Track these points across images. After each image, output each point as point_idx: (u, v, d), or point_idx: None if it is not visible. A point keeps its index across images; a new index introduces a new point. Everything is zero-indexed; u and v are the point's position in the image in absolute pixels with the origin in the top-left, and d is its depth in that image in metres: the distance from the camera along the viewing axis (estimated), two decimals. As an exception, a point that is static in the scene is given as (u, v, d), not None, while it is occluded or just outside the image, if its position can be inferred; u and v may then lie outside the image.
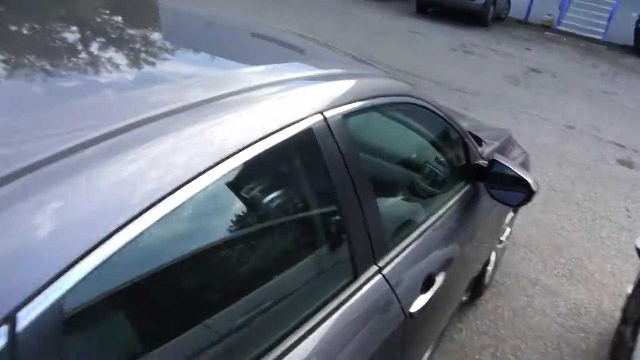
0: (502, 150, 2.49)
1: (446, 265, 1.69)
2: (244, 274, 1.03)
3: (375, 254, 1.29)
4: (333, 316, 1.13)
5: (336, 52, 1.82)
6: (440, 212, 1.76)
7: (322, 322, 1.09)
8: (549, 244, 3.59)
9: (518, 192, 1.88)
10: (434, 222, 1.68)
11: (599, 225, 4.03)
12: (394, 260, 1.37)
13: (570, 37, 12.69)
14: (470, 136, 2.02)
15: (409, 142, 1.93)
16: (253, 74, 1.12)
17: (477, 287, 2.70)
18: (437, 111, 1.73)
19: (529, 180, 1.85)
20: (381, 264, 1.31)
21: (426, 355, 1.91)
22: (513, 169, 1.87)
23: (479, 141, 2.38)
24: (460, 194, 1.92)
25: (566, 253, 3.52)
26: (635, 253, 3.75)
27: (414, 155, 1.97)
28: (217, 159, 0.83)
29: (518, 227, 3.71)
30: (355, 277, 1.23)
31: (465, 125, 2.66)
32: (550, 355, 2.59)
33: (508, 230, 3.00)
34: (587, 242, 3.74)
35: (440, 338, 2.18)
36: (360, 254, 1.24)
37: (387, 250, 1.36)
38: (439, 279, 1.57)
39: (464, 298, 2.51)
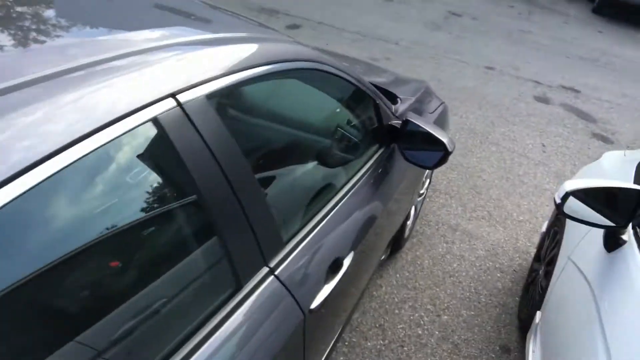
0: (418, 104, 2.35)
1: (357, 241, 1.56)
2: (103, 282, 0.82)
3: (265, 254, 1.10)
4: (216, 334, 0.94)
5: (241, 20, 1.57)
6: (353, 181, 1.63)
7: (202, 343, 0.91)
8: (468, 188, 3.58)
9: (433, 152, 1.74)
10: (345, 194, 1.55)
11: (517, 164, 4.07)
12: (290, 255, 1.20)
13: (490, -21, 12.71)
14: (382, 96, 1.86)
15: (315, 109, 1.73)
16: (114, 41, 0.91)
17: (397, 242, 2.63)
18: (344, 74, 1.54)
19: (444, 139, 1.71)
20: (273, 263, 1.13)
21: (335, 337, 1.79)
22: (427, 128, 1.73)
23: (394, 99, 2.23)
24: (373, 159, 1.79)
25: (485, 195, 3.53)
26: (548, 187, 3.82)
27: (320, 123, 1.77)
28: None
29: (438, 173, 3.67)
30: (240, 285, 1.03)
31: (381, 80, 2.51)
32: (468, 299, 2.58)
33: (427, 181, 2.92)
34: (506, 181, 3.77)
35: (358, 303, 2.09)
36: (243, 257, 1.05)
37: (281, 245, 1.18)
38: (347, 261, 1.44)
39: (383, 257, 2.42)
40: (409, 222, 2.70)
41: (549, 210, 3.50)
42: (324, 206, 1.43)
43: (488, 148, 4.22)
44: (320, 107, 1.69)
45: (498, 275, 2.79)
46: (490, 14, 9.16)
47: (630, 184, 1.60)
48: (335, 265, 1.36)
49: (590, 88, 6.27)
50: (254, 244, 1.05)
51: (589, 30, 9.30)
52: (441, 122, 2.52)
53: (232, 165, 0.99)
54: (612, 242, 1.64)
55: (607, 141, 4.88)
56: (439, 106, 2.57)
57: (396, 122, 1.82)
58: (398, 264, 2.72)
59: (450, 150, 1.70)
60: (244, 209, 1.01)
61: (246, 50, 1.13)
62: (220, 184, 0.96)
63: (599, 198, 1.53)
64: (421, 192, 2.81)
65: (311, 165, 1.59)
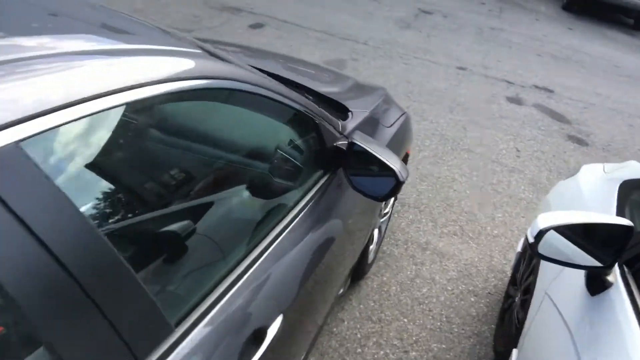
0: (374, 118, 2.08)
1: (295, 295, 1.28)
2: None
3: (135, 352, 0.77)
4: None
5: (152, 30, 1.27)
6: (286, 220, 1.33)
7: None
8: (439, 200, 3.35)
9: (384, 180, 1.46)
10: (276, 237, 1.26)
11: (491, 171, 3.86)
12: (183, 341, 0.87)
13: (460, -24, 12.59)
14: (325, 114, 1.58)
15: (236, 135, 1.40)
16: None
17: (360, 269, 2.37)
18: (273, 94, 1.25)
19: (395, 166, 1.43)
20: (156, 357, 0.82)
21: None
22: (374, 152, 1.45)
23: (345, 112, 1.97)
24: (315, 189, 1.50)
25: (457, 208, 3.30)
26: (524, 196, 3.63)
27: (244, 151, 1.43)
28: None
29: (406, 185, 3.43)
30: None
31: (333, 90, 2.23)
32: (439, 330, 2.34)
33: (392, 199, 2.68)
34: (479, 191, 3.55)
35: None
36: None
37: (167, 331, 0.85)
38: (274, 328, 1.15)
39: (342, 291, 2.14)
40: (373, 246, 2.45)
41: (524, 223, 3.30)
42: (242, 259, 1.13)
43: (460, 155, 4.00)
44: (244, 133, 1.40)
45: (472, 299, 2.57)
46: (460, 11, 8.99)
47: (616, 218, 1.37)
48: (259, 336, 1.09)
49: (563, 87, 6.14)
50: (113, 342, 0.74)
51: (560, 27, 9.22)
52: (401, 136, 2.27)
53: (65, 236, 0.66)
54: (596, 284, 1.41)
55: (582, 143, 4.73)
56: (399, 117, 2.31)
57: (342, 143, 1.56)
58: (362, 292, 2.47)
59: (401, 179, 1.44)
60: (95, 299, 0.69)
61: (135, 65, 0.85)
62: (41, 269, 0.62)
63: (578, 234, 1.30)
64: (385, 211, 2.56)
65: (228, 206, 1.29)
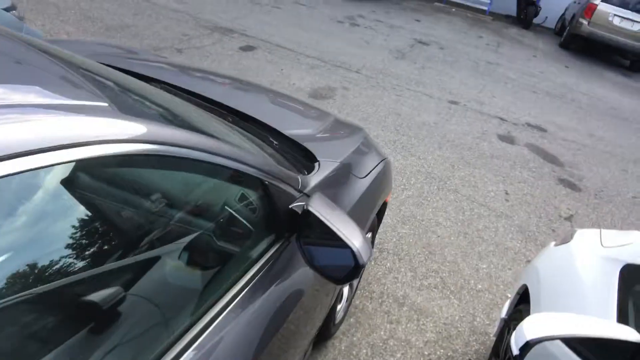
0: (345, 169, 1.83)
1: None
2: None
3: None
4: None
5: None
6: (229, 296, 1.10)
7: None
8: (421, 247, 3.09)
9: (342, 257, 1.21)
10: (219, 313, 1.05)
11: (477, 216, 3.62)
12: None
13: (459, 8, 12.56)
14: (278, 172, 1.32)
15: (163, 200, 1.08)
16: None
17: (325, 330, 2.09)
18: (199, 154, 1.00)
19: (354, 246, 1.18)
20: None
21: None
22: (332, 226, 1.20)
23: (312, 161, 1.72)
24: (265, 259, 1.26)
25: (439, 256, 3.05)
26: (511, 245, 3.38)
27: (173, 220, 1.11)
28: None
29: (387, 227, 3.18)
30: None
31: (303, 133, 1.96)
32: (411, 407, 2.07)
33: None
34: (464, 238, 3.30)
35: None
36: None
37: None
38: None
39: None
40: (342, 305, 2.18)
41: (511, 276, 3.05)
42: (180, 336, 0.94)
43: (446, 196, 3.76)
44: (177, 195, 1.15)
45: (449, 368, 2.30)
46: (458, 43, 8.88)
47: (622, 330, 1.11)
48: None
49: (557, 126, 5.96)
50: None
51: (556, 65, 9.11)
52: (376, 187, 2.01)
53: None
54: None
55: (574, 188, 4.50)
56: (376, 165, 2.06)
57: (298, 205, 1.31)
58: (329, 355, 2.19)
59: (361, 263, 1.18)
60: None
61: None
62: None
63: (574, 347, 1.04)
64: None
65: (162, 273, 1.05)
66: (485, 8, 12.63)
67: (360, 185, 1.85)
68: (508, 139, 5.19)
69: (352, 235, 1.18)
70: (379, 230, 2.70)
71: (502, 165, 4.55)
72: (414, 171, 4.00)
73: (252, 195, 1.28)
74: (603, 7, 9.35)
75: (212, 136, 1.10)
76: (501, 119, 5.72)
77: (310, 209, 1.23)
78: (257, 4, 8.21)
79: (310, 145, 1.80)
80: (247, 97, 2.30)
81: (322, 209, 1.24)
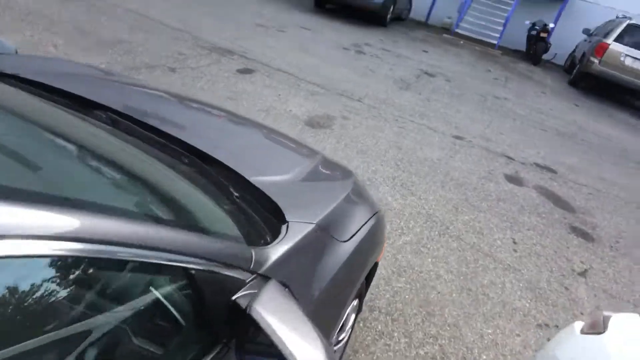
0: (323, 230, 1.43)
1: None
2: None
3: None
4: None
5: None
6: None
7: None
8: (418, 305, 2.68)
9: None
10: None
11: (482, 268, 3.21)
12: None
13: (468, 41, 12.34)
14: (222, 250, 0.94)
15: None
16: None
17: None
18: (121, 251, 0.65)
19: None
20: None
21: None
22: (280, 341, 0.84)
23: (280, 220, 1.34)
24: None
25: (439, 318, 2.63)
26: (519, 305, 2.96)
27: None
28: None
29: (380, 278, 2.78)
30: None
31: (274, 179, 1.55)
32: None
33: (353, 316, 1.98)
34: (467, 296, 2.88)
35: None
36: None
37: None
38: None
39: None
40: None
41: (519, 344, 2.63)
42: None
43: (447, 243, 3.36)
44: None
45: None
46: (465, 76, 8.58)
47: None
48: None
49: (567, 168, 5.57)
50: None
51: (566, 102, 8.78)
52: (364, 251, 1.60)
53: None
54: None
55: (587, 238, 4.09)
56: (365, 222, 1.65)
57: (244, 297, 0.92)
58: None
59: None
60: None
61: None
62: None
63: None
64: (341, 337, 1.89)
65: None
66: (494, 42, 12.40)
67: (343, 250, 1.45)
68: (516, 180, 4.80)
69: (306, 353, 0.79)
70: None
71: (510, 209, 4.15)
72: (414, 213, 3.61)
73: (180, 281, 0.89)
74: (615, 46, 9.07)
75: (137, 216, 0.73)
76: (508, 157, 5.34)
77: (256, 307, 0.84)
78: (261, 26, 7.97)
79: (282, 199, 1.41)
80: (218, 130, 1.93)
81: (271, 307, 0.85)
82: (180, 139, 1.57)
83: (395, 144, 4.79)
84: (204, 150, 1.57)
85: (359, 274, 1.60)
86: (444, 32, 12.68)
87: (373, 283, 2.61)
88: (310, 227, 1.34)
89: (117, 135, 1.36)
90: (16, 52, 2.97)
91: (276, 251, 1.17)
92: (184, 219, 1.04)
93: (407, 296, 2.72)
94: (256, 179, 1.51)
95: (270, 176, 1.61)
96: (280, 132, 2.30)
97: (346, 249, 1.46)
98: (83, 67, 2.44)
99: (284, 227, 1.29)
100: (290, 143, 2.16)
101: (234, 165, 1.56)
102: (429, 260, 3.11)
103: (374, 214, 1.75)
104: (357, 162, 4.18)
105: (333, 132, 4.66)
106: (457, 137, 5.48)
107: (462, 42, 12.05)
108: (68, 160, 0.96)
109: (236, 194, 1.43)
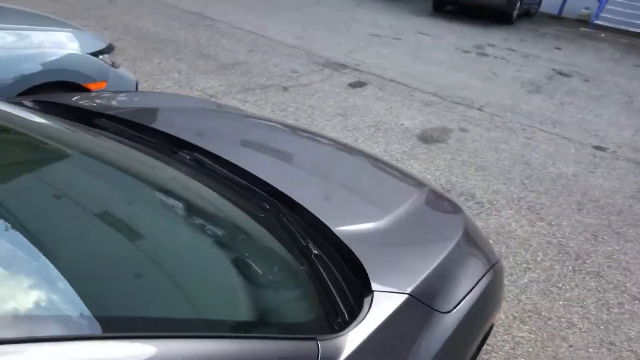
0: (415, 305, 1.15)
1: None
2: None
3: None
4: None
5: None
6: None
7: None
8: (544, 361, 2.26)
9: None
10: None
11: (629, 315, 2.64)
12: None
13: (610, 33, 10.85)
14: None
15: None
16: None
17: None
18: None
19: None
20: None
21: None
22: None
23: (363, 287, 1.13)
24: None
25: (571, 380, 2.19)
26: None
27: None
28: None
29: (498, 326, 2.40)
30: None
31: (369, 227, 1.25)
32: None
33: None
34: (607, 352, 2.38)
35: None
36: None
37: None
38: None
39: None
40: None
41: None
42: None
43: (584, 282, 2.84)
44: None
45: None
46: (607, 74, 7.50)
47: None
48: None
49: None
50: None
51: None
52: (472, 320, 1.29)
53: None
54: None
55: None
56: (478, 281, 1.34)
57: None
58: None
59: None
60: None
61: None
62: None
63: None
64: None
65: None
66: (644, 31, 10.75)
67: (446, 325, 1.18)
68: (675, 201, 3.98)
69: None
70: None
71: (667, 238, 3.42)
72: (543, 243, 3.12)
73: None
74: None
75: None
76: (665, 171, 4.47)
77: None
78: (376, 35, 7.77)
79: (370, 256, 1.19)
80: (308, 164, 1.77)
81: None
82: (264, 181, 1.44)
83: (521, 158, 4.26)
84: (288, 193, 1.42)
85: (467, 349, 1.31)
86: (581, 25, 11.30)
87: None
88: (402, 299, 1.10)
89: (198, 179, 1.29)
90: (136, 85, 3.15)
91: (352, 340, 0.95)
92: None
93: (530, 349, 2.31)
94: (341, 230, 1.31)
95: (361, 223, 1.39)
96: (381, 160, 2.08)
97: (450, 322, 1.19)
98: (184, 100, 2.48)
99: (367, 299, 1.07)
100: (392, 175, 1.92)
101: (320, 208, 1.38)
102: (560, 303, 2.64)
103: (491, 267, 1.44)
104: (475, 181, 3.77)
105: (448, 146, 4.29)
106: (598, 148, 4.73)
107: (603, 34, 10.63)
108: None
109: (315, 252, 1.25)
